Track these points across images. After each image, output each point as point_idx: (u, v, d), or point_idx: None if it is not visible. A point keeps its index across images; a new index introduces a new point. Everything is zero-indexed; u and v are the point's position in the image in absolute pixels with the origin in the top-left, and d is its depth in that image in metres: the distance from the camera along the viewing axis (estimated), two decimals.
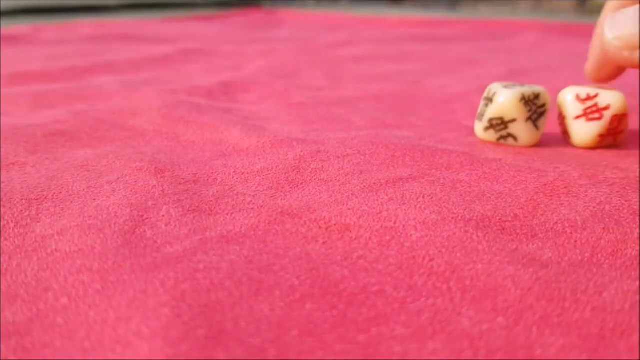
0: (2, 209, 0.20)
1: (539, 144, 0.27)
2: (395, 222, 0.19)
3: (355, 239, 0.18)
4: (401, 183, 0.22)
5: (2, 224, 0.19)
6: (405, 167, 0.23)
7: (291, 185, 0.22)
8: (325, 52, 0.58)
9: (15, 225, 0.19)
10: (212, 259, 0.16)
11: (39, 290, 0.15)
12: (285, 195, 0.21)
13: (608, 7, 0.28)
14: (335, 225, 0.19)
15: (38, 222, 0.19)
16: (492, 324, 0.14)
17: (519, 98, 0.25)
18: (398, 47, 0.63)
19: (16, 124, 0.29)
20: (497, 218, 0.19)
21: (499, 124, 0.26)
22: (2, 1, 1.03)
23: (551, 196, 0.21)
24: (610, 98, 0.25)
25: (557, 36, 0.75)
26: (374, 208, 0.19)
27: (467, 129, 0.30)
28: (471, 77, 0.45)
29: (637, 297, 0.14)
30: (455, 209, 0.19)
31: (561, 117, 0.27)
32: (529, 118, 0.26)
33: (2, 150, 0.25)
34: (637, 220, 0.19)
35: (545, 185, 0.21)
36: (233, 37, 0.70)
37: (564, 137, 0.28)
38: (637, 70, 0.38)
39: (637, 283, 0.15)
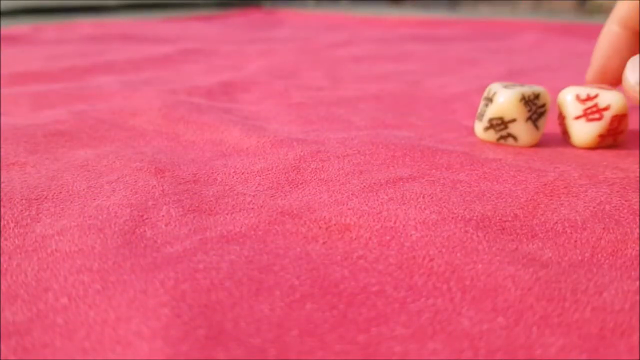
0: (2, 209, 0.20)
1: (539, 144, 0.27)
2: (395, 222, 0.19)
3: (355, 239, 0.18)
4: (401, 183, 0.22)
5: (2, 224, 0.19)
6: (405, 167, 0.23)
7: (291, 185, 0.22)
8: (325, 52, 0.58)
9: (15, 225, 0.19)
10: (212, 259, 0.16)
11: (39, 290, 0.15)
12: (285, 195, 0.21)
13: (618, 9, 0.28)
14: (335, 225, 0.19)
15: (38, 222, 0.19)
16: (492, 324, 0.14)
17: (519, 98, 0.25)
18: (398, 47, 0.63)
19: (16, 124, 0.29)
20: (497, 218, 0.19)
21: (499, 124, 0.26)
22: (2, 1, 1.03)
23: (551, 196, 0.21)
24: (610, 98, 0.25)
25: (557, 36, 0.75)
26: (374, 208, 0.19)
27: (467, 129, 0.30)
28: (471, 77, 0.45)
29: (637, 297, 0.14)
30: (455, 209, 0.19)
31: (561, 117, 0.27)
32: (529, 118, 0.26)
33: (2, 150, 0.25)
34: (637, 220, 0.19)
35: (545, 185, 0.21)
36: (233, 37, 0.70)
37: (564, 137, 0.28)
38: None
39: (637, 283, 0.15)
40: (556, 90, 0.36)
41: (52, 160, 0.25)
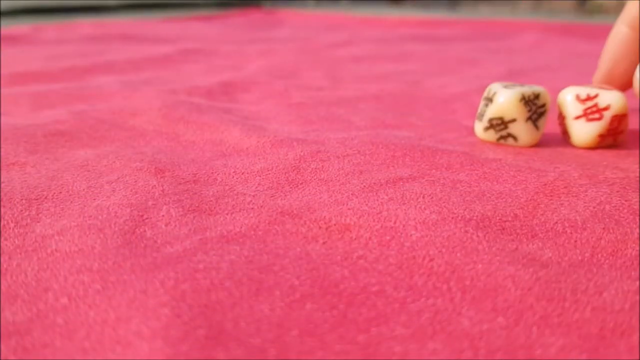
0: (2, 209, 0.20)
1: (539, 144, 0.27)
2: (395, 222, 0.19)
3: (355, 239, 0.18)
4: (401, 183, 0.22)
5: (2, 224, 0.19)
6: (405, 167, 0.23)
7: (291, 185, 0.22)
8: (325, 52, 0.58)
9: (15, 225, 0.19)
10: (212, 259, 0.16)
11: (39, 290, 0.15)
12: (285, 195, 0.21)
13: (628, 10, 0.27)
14: (335, 225, 0.19)
15: (38, 222, 0.19)
16: (492, 324, 0.14)
17: (519, 98, 0.25)
18: (398, 47, 0.63)
19: (16, 124, 0.29)
20: (497, 218, 0.19)
21: (499, 124, 0.26)
22: (2, 1, 1.03)
23: (551, 196, 0.21)
24: (611, 98, 0.25)
25: (557, 36, 0.75)
26: (374, 208, 0.19)
27: (467, 129, 0.30)
28: (471, 77, 0.45)
29: (637, 297, 0.14)
30: (455, 209, 0.19)
31: (561, 117, 0.27)
32: (529, 118, 0.26)
33: (2, 150, 0.25)
34: (637, 220, 0.19)
35: (545, 185, 0.21)
36: (233, 37, 0.70)
37: (564, 137, 0.28)
38: None
39: (637, 283, 0.15)
40: (556, 90, 0.36)
41: (52, 160, 0.25)
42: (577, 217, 0.19)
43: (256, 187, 0.22)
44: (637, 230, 0.18)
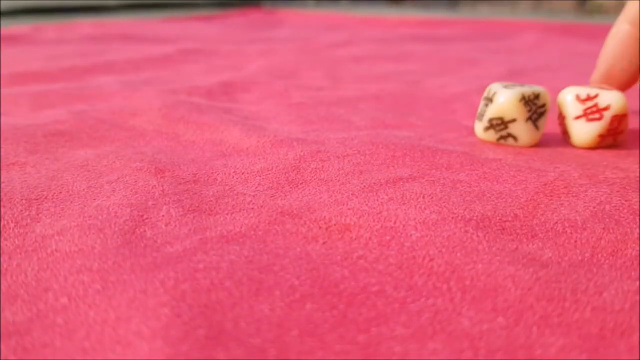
0: (2, 209, 0.20)
1: (539, 144, 0.27)
2: (395, 222, 0.19)
3: (355, 239, 0.18)
4: (401, 183, 0.22)
5: (2, 224, 0.19)
6: (405, 167, 0.23)
7: (291, 185, 0.22)
8: (325, 52, 0.58)
9: (15, 225, 0.19)
10: (212, 259, 0.16)
11: (39, 290, 0.15)
12: (285, 195, 0.21)
13: (629, 8, 0.27)
14: (335, 225, 0.19)
15: (38, 222, 0.19)
16: (492, 324, 0.14)
17: (519, 98, 0.25)
18: (398, 47, 0.63)
19: (16, 124, 0.29)
20: (497, 218, 0.19)
21: (499, 124, 0.26)
22: (2, 1, 1.03)
23: (551, 196, 0.21)
24: (611, 98, 0.25)
25: (557, 36, 0.75)
26: (374, 208, 0.19)
27: (467, 129, 0.30)
28: (471, 77, 0.45)
29: (637, 297, 0.14)
30: (455, 209, 0.19)
31: (561, 117, 0.27)
32: (529, 118, 0.26)
33: (2, 150, 0.25)
34: (637, 220, 0.19)
35: (545, 185, 0.21)
36: (233, 37, 0.70)
37: (564, 137, 0.28)
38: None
39: (637, 283, 0.15)
40: (556, 90, 0.36)
41: (52, 160, 0.25)
42: (577, 217, 0.19)
43: (256, 187, 0.22)
44: (637, 230, 0.18)
